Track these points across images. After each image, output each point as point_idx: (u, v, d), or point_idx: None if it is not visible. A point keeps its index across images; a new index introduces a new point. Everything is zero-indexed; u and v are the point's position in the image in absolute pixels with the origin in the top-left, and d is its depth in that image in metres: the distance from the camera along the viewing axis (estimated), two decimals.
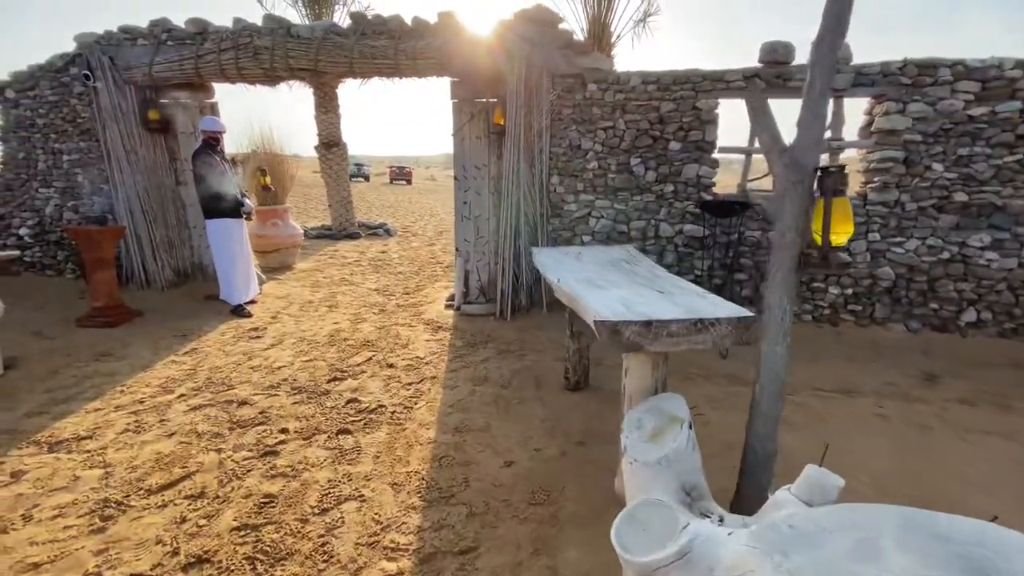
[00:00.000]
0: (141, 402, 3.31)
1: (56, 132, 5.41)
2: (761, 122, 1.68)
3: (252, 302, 5.44)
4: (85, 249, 4.53)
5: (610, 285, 2.39)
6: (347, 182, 11.05)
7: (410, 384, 3.63)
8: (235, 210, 5.07)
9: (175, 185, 5.68)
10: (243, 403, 3.32)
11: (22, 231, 5.66)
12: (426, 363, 3.99)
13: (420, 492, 2.44)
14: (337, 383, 3.63)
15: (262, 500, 2.36)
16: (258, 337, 4.55)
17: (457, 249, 5.20)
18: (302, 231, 7.79)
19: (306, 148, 7.78)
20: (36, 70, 5.26)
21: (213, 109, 5.44)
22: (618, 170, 4.56)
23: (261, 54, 4.71)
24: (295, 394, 3.45)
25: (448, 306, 5.42)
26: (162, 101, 5.44)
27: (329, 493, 2.43)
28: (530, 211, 4.68)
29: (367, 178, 35.04)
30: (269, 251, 7.34)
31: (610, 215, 4.64)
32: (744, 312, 1.89)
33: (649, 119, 4.41)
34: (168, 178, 5.62)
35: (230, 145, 6.54)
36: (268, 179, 6.44)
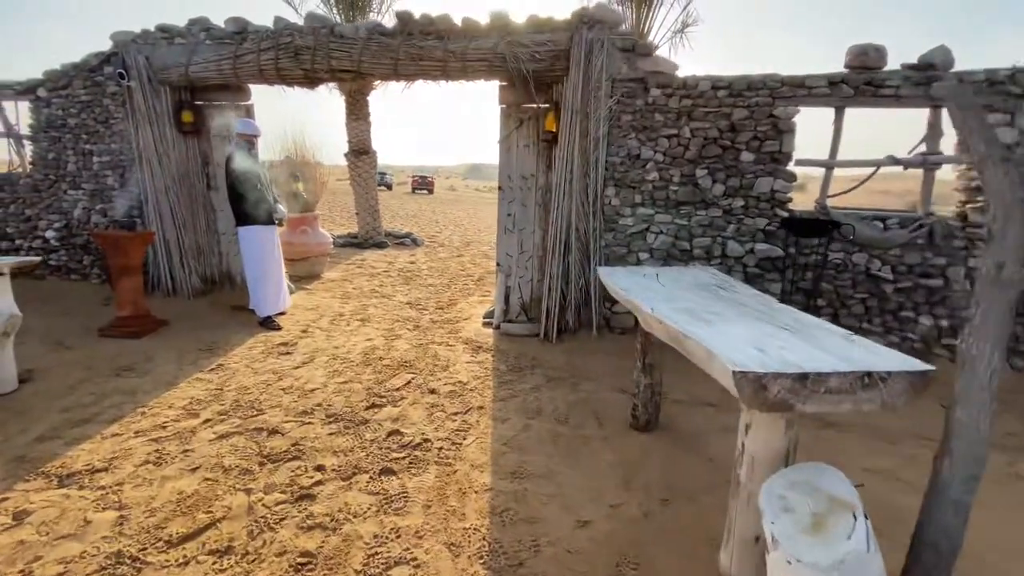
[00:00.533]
0: (163, 427, 2.99)
1: (87, 133, 5.21)
2: (972, 125, 1.29)
3: (281, 314, 5.14)
4: (112, 255, 4.27)
5: (718, 319, 1.98)
6: (375, 190, 10.83)
7: (456, 414, 3.24)
8: (268, 217, 4.79)
9: (206, 190, 5.43)
10: (274, 431, 2.97)
11: (48, 233, 5.46)
12: (470, 389, 3.61)
13: (483, 557, 2.04)
14: (376, 410, 3.26)
15: (299, 560, 1.99)
16: (288, 353, 4.22)
17: (498, 264, 4.84)
18: (331, 239, 7.53)
19: (332, 156, 7.59)
20: (70, 69, 5.08)
21: (248, 111, 5.20)
22: (682, 182, 4.16)
23: (302, 54, 4.45)
24: (331, 422, 3.09)
25: (486, 324, 5.04)
26: (196, 103, 5.21)
27: (376, 553, 2.04)
28: (582, 225, 4.30)
29: (390, 187, 35.12)
30: (297, 259, 7.07)
31: (670, 231, 4.24)
32: (922, 365, 1.48)
33: (719, 127, 4.01)
34: (199, 182, 5.39)
35: (262, 151, 6.33)
36: (301, 185, 6.19)
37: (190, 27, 4.82)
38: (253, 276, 4.80)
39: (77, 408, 3.17)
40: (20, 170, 5.58)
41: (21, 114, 5.44)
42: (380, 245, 10.25)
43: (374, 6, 10.30)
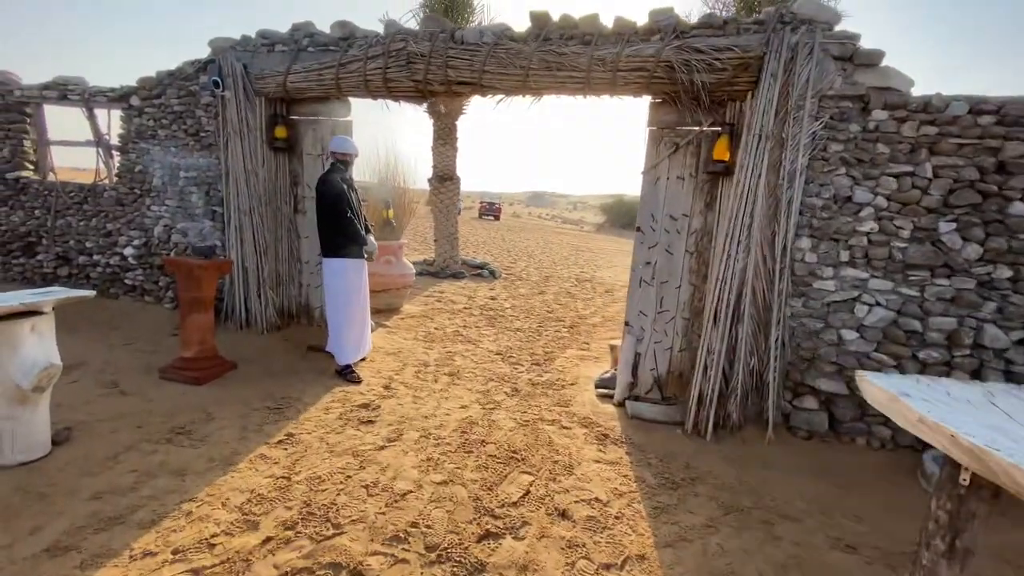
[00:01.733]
0: (210, 544, 2.12)
1: (177, 145, 4.74)
2: None
3: (362, 359, 4.33)
4: (183, 285, 3.62)
5: None
6: (455, 217, 10.17)
7: (608, 568, 2.18)
8: (359, 250, 4.03)
9: (293, 213, 4.80)
10: (355, 573, 2.03)
11: (127, 250, 5.01)
12: (615, 516, 2.52)
13: None
14: (491, 544, 2.25)
15: None
16: (370, 422, 3.34)
17: (628, 324, 3.79)
18: (414, 270, 6.79)
19: (414, 180, 6.93)
20: (164, 76, 4.65)
21: (346, 128, 4.54)
22: (914, 237, 2.97)
23: (415, 63, 3.70)
24: (432, 563, 2.12)
25: (603, 396, 3.97)
26: (291, 117, 4.62)
27: None
28: (760, 284, 3.18)
29: (459, 212, 35.18)
30: (378, 291, 6.35)
31: (891, 303, 3.03)
32: None
33: (980, 166, 2.82)
34: (287, 204, 4.76)
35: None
36: (391, 212, 5.49)
37: (293, 33, 4.24)
38: (336, 317, 4.03)
39: (111, 495, 2.38)
40: (106, 181, 5.21)
41: (113, 122, 5.09)
42: (457, 276, 9.49)
43: (475, 15, 9.84)
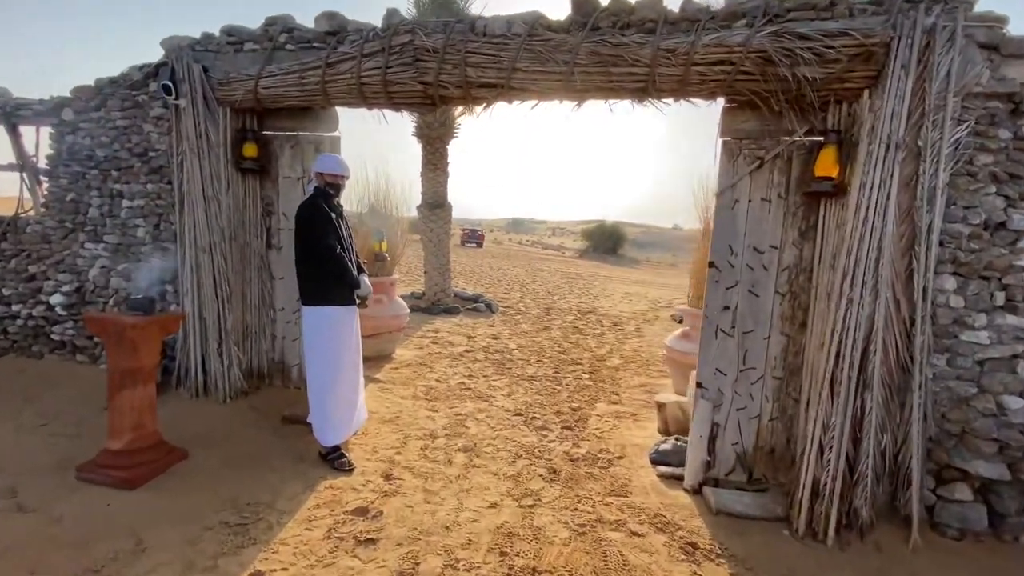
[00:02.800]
0: None
1: (119, 168, 3.80)
2: None
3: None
4: (111, 351, 2.64)
5: None
6: (447, 247, 9.33)
7: None
8: (349, 294, 3.14)
9: (265, 249, 3.88)
10: None
11: (54, 298, 3.98)
12: None
13: None
14: None
15: None
16: (371, 540, 2.38)
17: (700, 385, 2.96)
18: (408, 310, 5.88)
19: (406, 207, 6.10)
20: (105, 85, 3.74)
21: (334, 146, 3.70)
22: None
23: (425, 60, 2.90)
24: None
25: (667, 477, 3.10)
26: (263, 132, 3.77)
27: None
28: (892, 337, 2.41)
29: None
30: (367, 336, 5.41)
31: None
32: None
33: None
34: (257, 239, 3.85)
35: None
36: (384, 245, 4.62)
37: (267, 28, 3.41)
38: (319, 383, 3.09)
39: None
40: (31, 213, 4.21)
41: (43, 141, 4.14)
42: (451, 311, 8.59)
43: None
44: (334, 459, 3.06)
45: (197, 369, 3.64)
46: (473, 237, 33.81)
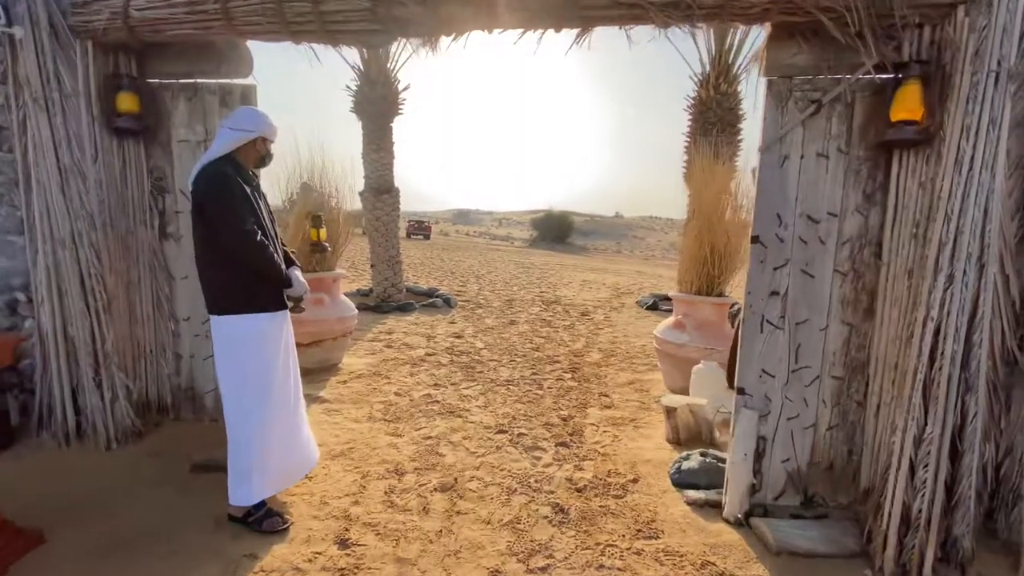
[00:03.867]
0: None
1: None
2: None
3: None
4: None
5: None
6: (397, 237, 8.40)
7: None
8: (279, 296, 2.30)
9: (159, 239, 2.91)
10: None
11: None
12: None
13: None
14: None
15: None
16: None
17: (743, 391, 2.37)
18: (356, 310, 4.98)
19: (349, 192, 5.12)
20: None
21: (247, 98, 2.77)
22: None
23: None
24: None
25: (700, 504, 2.51)
26: (147, 80, 2.77)
27: None
28: (1000, 325, 1.90)
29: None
30: (304, 344, 4.49)
31: None
32: None
33: None
34: (146, 226, 2.86)
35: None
36: (324, 233, 3.72)
37: None
38: (239, 421, 2.23)
39: None
40: None
41: None
42: (405, 308, 7.69)
43: None
44: (258, 520, 2.21)
45: (64, 407, 2.64)
46: (420, 229, 32.54)
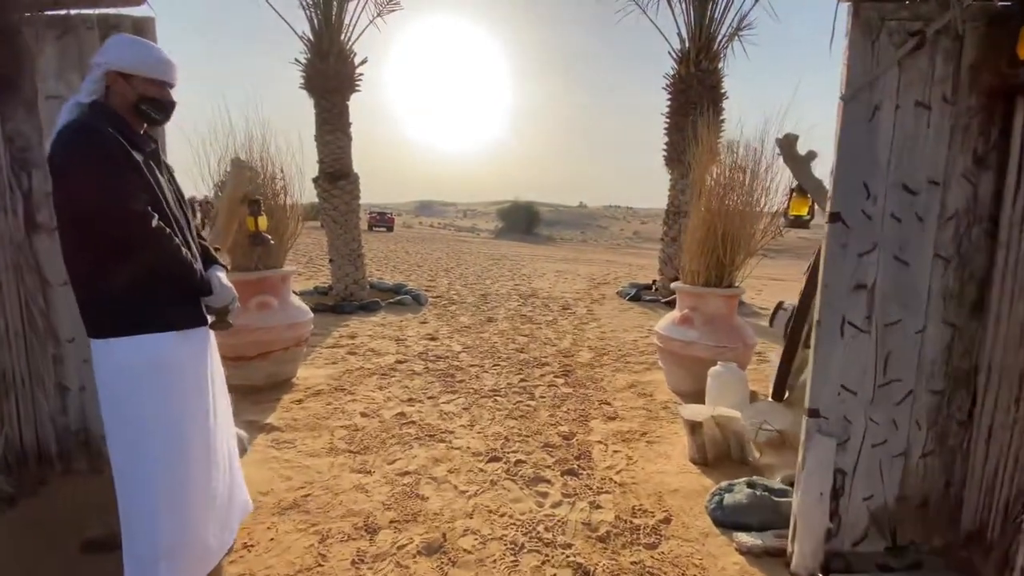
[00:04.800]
0: None
1: None
2: None
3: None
4: None
5: None
6: (357, 227, 7.62)
7: None
8: (192, 307, 1.62)
9: (25, 233, 2.13)
10: None
11: None
12: None
13: None
14: None
15: None
16: None
17: (815, 412, 1.85)
18: (311, 313, 4.25)
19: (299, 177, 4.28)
20: None
21: (143, 32, 2.03)
22: None
23: None
24: None
25: (756, 552, 2.00)
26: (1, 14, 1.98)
27: None
28: None
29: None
30: (251, 356, 3.75)
31: None
32: None
33: None
34: (4, 213, 2.09)
35: (184, 162, 3.14)
36: (264, 220, 2.99)
37: None
38: (138, 483, 1.54)
39: None
40: None
41: None
42: (369, 307, 6.95)
43: None
44: None
45: None
46: (382, 221, 31.33)
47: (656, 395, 3.94)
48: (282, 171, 3.98)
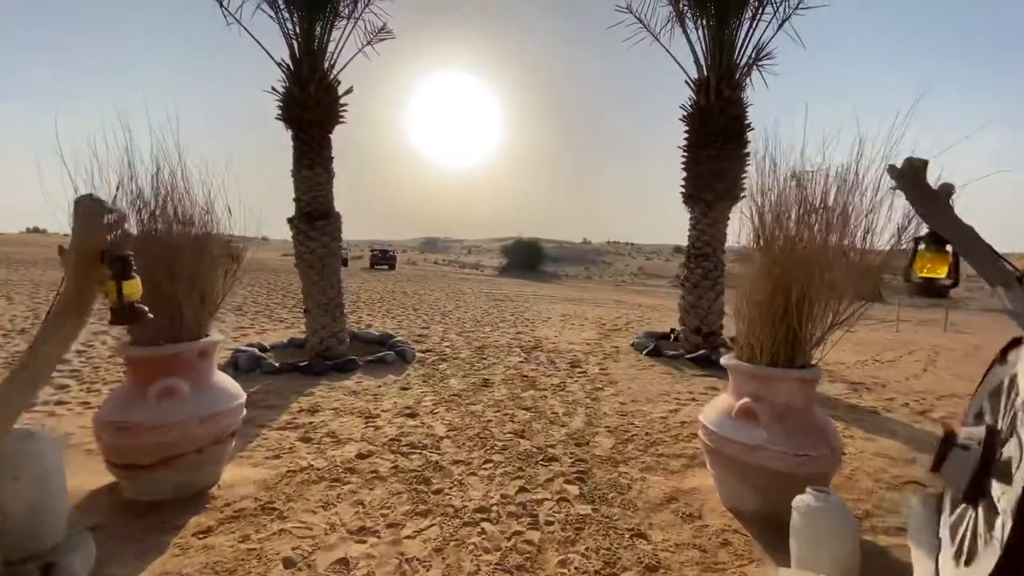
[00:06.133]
0: None
1: None
2: None
3: None
4: None
5: None
6: (338, 274, 6.64)
7: None
8: None
9: None
10: None
11: None
12: None
13: None
14: None
15: None
16: None
17: None
18: (243, 396, 3.18)
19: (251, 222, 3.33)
20: None
21: None
22: None
23: None
24: None
25: None
26: None
27: None
28: None
29: (346, 263, 30.60)
30: (146, 464, 2.67)
31: None
32: None
33: None
34: None
35: None
36: (132, 286, 1.98)
37: None
38: None
39: None
40: None
41: None
42: (345, 367, 5.88)
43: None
44: None
45: None
46: (384, 259, 30.55)
47: (707, 517, 2.81)
48: (208, 205, 3.01)
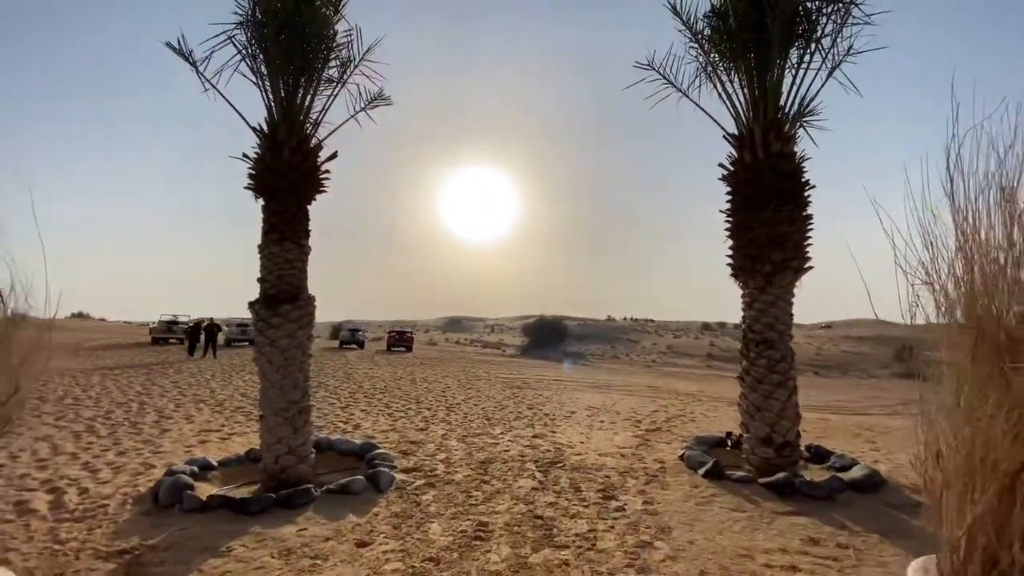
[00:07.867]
0: None
1: None
2: None
3: None
4: None
5: None
6: (304, 372, 5.26)
7: None
8: None
9: None
10: None
11: None
12: None
13: None
14: None
15: None
16: None
17: None
18: None
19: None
20: None
21: None
22: None
23: None
24: None
25: None
26: None
27: None
28: None
29: (361, 345, 29.48)
30: None
31: None
32: None
33: None
34: None
35: None
36: None
37: None
38: None
39: None
40: None
41: None
42: (292, 502, 4.30)
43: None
44: None
45: None
46: (401, 340, 29.38)
47: None
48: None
